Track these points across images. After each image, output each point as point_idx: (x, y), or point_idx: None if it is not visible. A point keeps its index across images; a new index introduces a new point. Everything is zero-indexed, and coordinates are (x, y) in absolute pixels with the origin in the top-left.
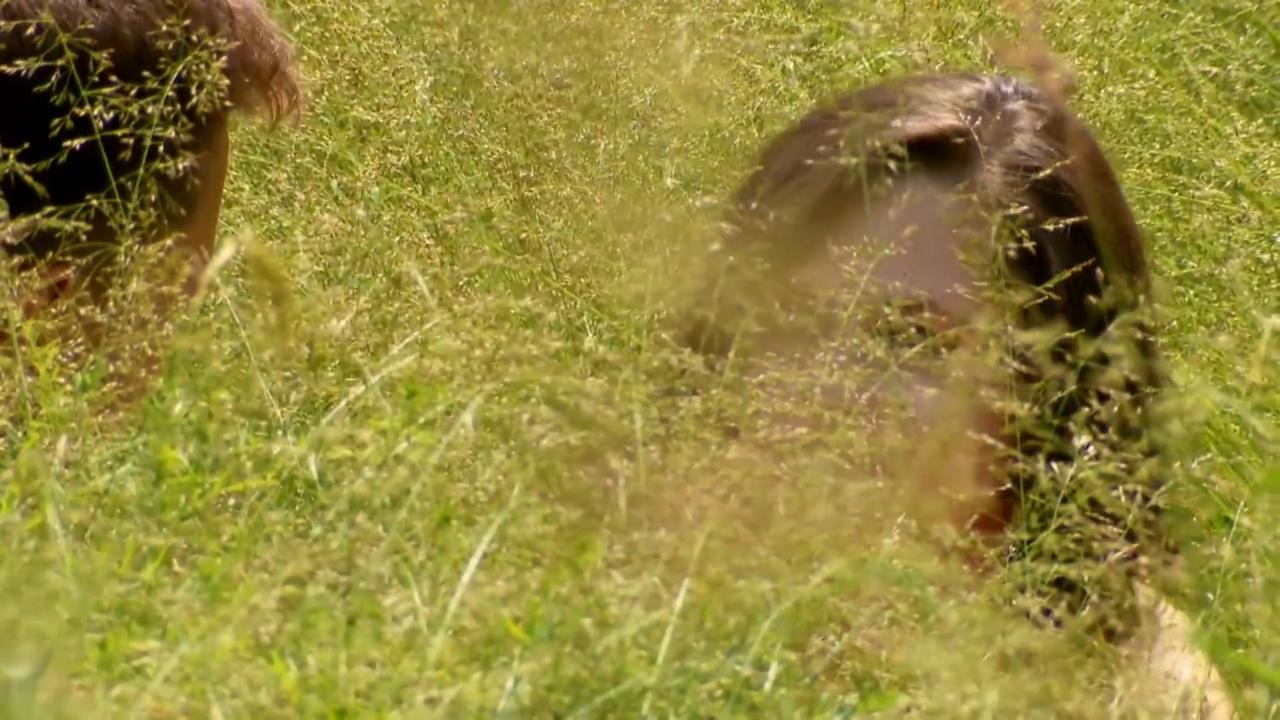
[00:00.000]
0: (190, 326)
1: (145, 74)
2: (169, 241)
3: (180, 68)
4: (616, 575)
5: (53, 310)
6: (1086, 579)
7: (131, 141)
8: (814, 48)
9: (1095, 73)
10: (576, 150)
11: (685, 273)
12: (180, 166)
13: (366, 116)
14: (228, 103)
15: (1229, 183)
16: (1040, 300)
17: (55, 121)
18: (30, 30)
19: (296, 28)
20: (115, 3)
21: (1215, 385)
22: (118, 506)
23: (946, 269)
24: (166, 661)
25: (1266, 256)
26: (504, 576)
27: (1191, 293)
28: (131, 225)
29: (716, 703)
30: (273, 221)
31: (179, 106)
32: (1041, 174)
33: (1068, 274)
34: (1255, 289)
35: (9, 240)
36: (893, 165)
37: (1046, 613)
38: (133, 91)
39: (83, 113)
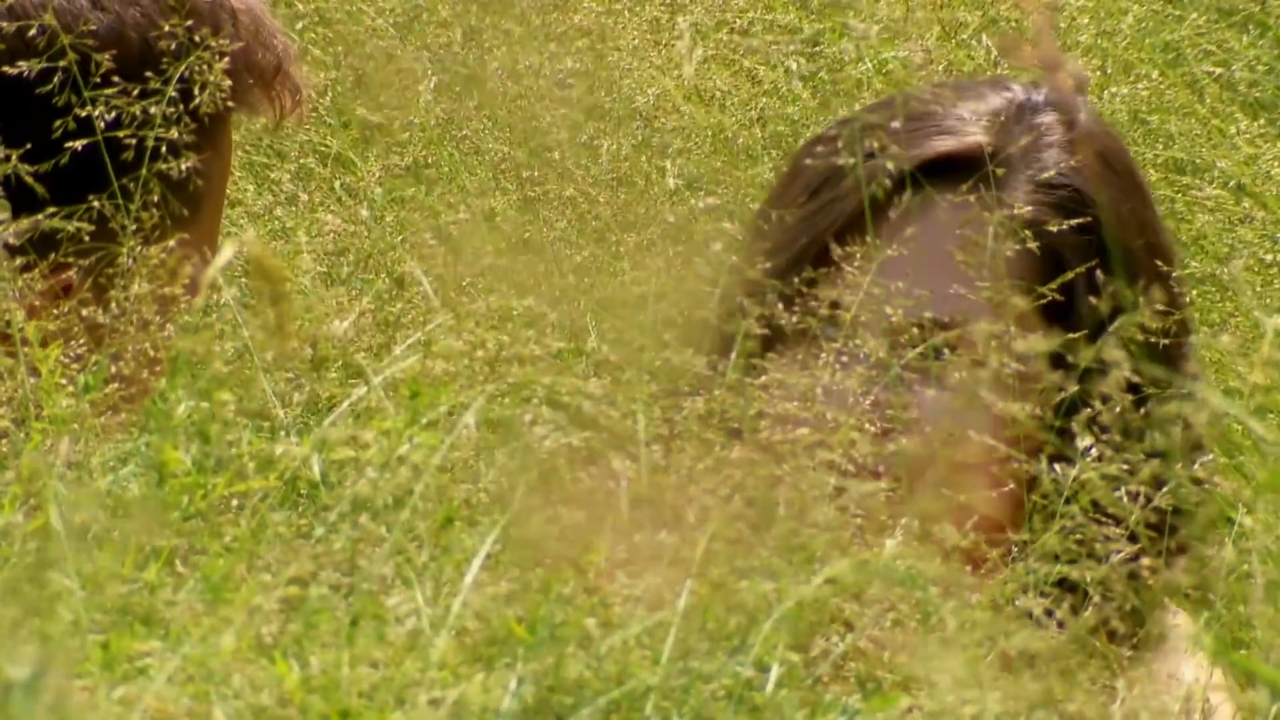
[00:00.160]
0: (192, 327)
1: (149, 74)
2: (171, 242)
3: (183, 68)
4: (620, 576)
5: (55, 311)
6: (1089, 579)
7: (134, 142)
8: (817, 48)
9: (1099, 73)
10: (579, 150)
11: (709, 278)
12: (183, 167)
13: (370, 117)
14: (230, 103)
15: (1232, 183)
16: (1065, 319)
17: (58, 123)
18: (33, 32)
19: (300, 27)
20: (120, 5)
21: (1218, 386)
22: (120, 507)
23: (968, 286)
24: (169, 662)
25: (1270, 257)
26: (507, 577)
27: (1195, 293)
28: (134, 226)
29: (719, 703)
30: (276, 222)
31: (182, 107)
32: (1068, 191)
33: (1085, 287)
34: (1259, 289)
35: (11, 241)
36: (913, 184)
37: (1049, 614)
38: (135, 92)
39: (84, 114)
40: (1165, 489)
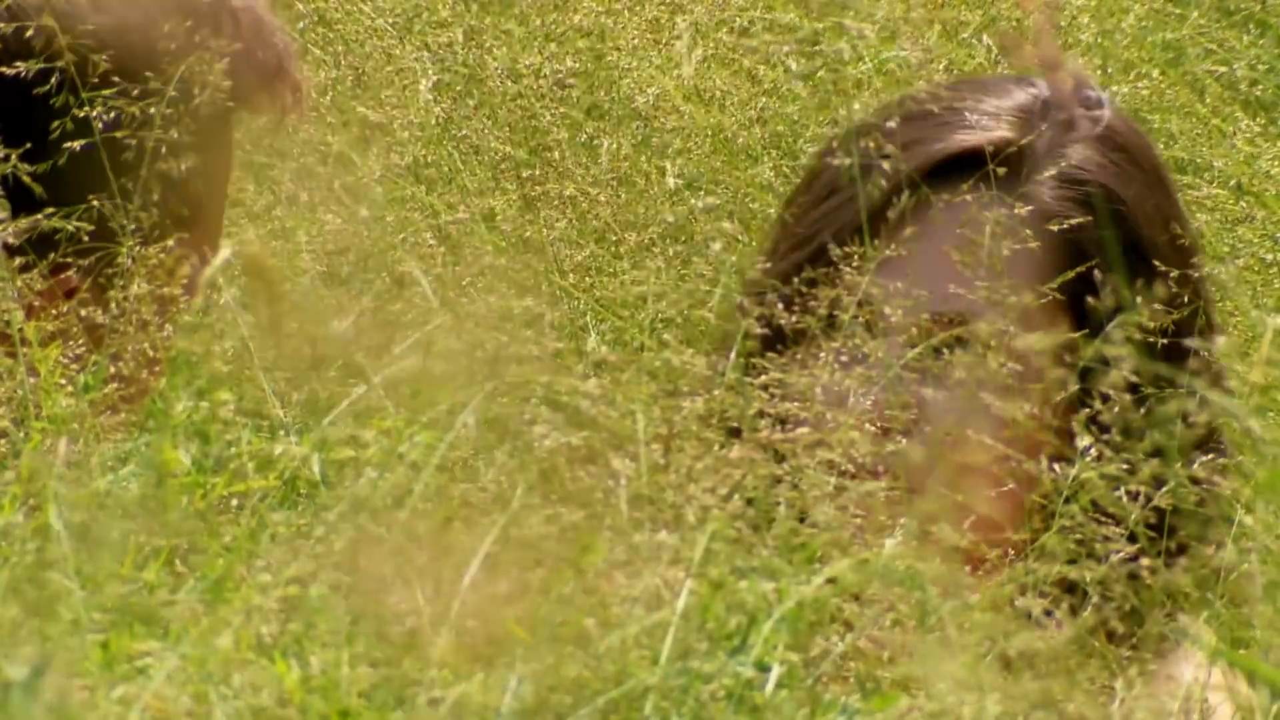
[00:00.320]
0: (192, 327)
1: (149, 75)
2: (171, 242)
3: (183, 68)
4: (619, 575)
5: (55, 311)
6: (1089, 579)
7: (134, 142)
8: (816, 47)
9: (1100, 72)
10: (579, 150)
11: (708, 278)
12: (184, 167)
13: (370, 116)
14: (230, 103)
15: (1232, 182)
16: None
17: (55, 124)
18: (30, 32)
19: (300, 27)
20: (120, 7)
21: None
22: (120, 507)
23: (989, 282)
24: (168, 662)
25: (1270, 256)
26: (506, 577)
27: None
28: (133, 226)
29: (719, 703)
30: (276, 222)
31: (182, 108)
32: (1093, 187)
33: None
34: (1259, 289)
35: (11, 241)
36: (936, 180)
37: (1049, 614)
38: (135, 92)
39: (82, 114)
40: (1164, 489)
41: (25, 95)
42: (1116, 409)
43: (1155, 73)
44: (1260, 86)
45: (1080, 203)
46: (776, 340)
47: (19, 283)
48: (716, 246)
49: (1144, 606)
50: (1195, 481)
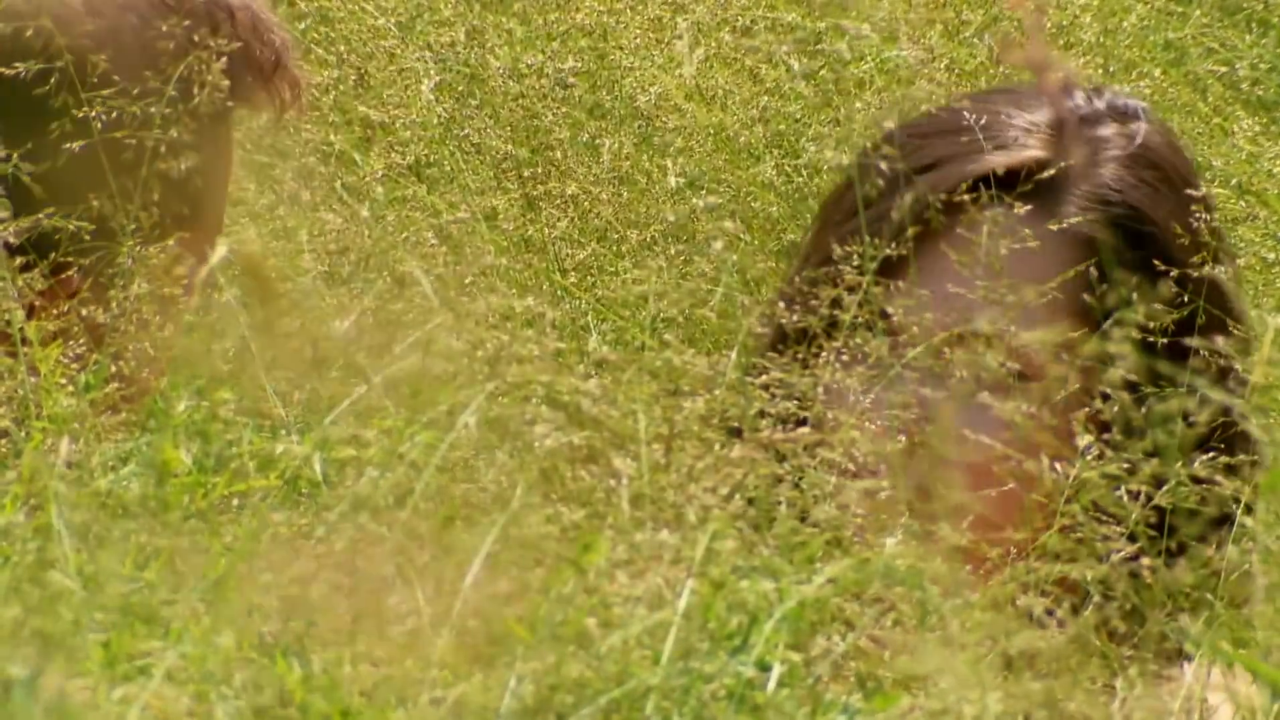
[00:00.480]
0: (192, 326)
1: (148, 75)
2: (171, 242)
3: (181, 68)
4: (620, 575)
5: (55, 311)
6: (1089, 579)
7: (134, 143)
8: (818, 46)
9: (1102, 71)
10: (581, 149)
11: (709, 277)
12: (183, 167)
13: (372, 115)
14: (229, 101)
15: (1234, 181)
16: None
17: (54, 125)
18: (30, 33)
19: (302, 26)
20: (115, 10)
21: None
22: (121, 507)
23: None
24: (169, 661)
25: (1271, 255)
26: (507, 576)
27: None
28: (133, 226)
29: (720, 703)
30: (277, 221)
31: (181, 107)
32: (1123, 209)
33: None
34: (1260, 289)
35: (11, 241)
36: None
37: (1050, 613)
38: (135, 92)
39: (80, 114)
40: (1166, 487)
41: (23, 96)
42: (1147, 430)
43: (1157, 72)
44: (1262, 86)
45: (1110, 223)
46: (798, 343)
47: (20, 282)
48: (718, 246)
49: (1145, 606)
50: (1196, 480)
